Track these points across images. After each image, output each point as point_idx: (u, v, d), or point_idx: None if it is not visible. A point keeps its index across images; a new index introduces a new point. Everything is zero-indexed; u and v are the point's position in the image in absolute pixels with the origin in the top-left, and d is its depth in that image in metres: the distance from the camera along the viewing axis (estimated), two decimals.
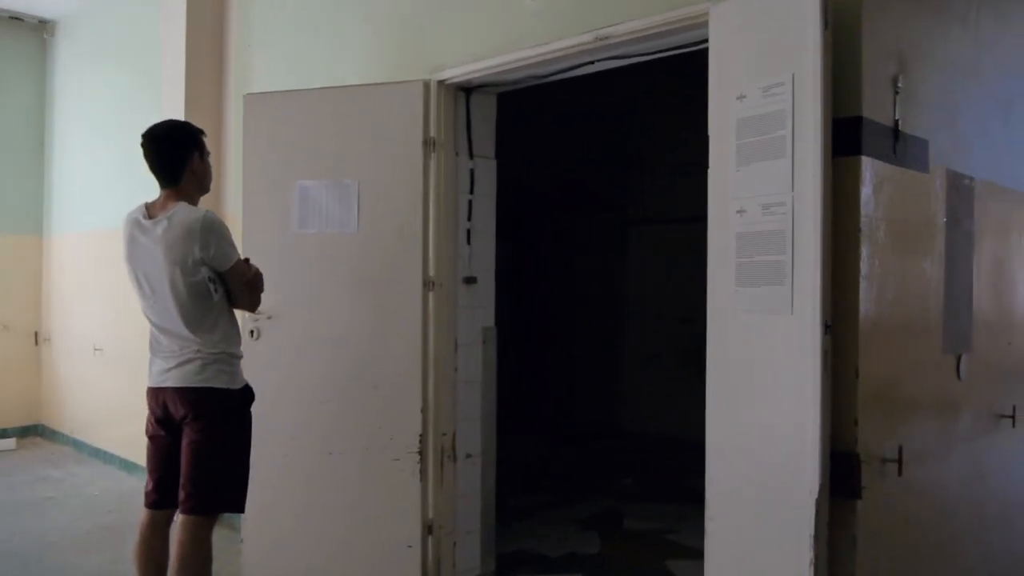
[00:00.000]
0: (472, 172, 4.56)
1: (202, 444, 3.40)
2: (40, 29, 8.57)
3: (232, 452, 3.50)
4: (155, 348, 3.51)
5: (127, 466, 7.03)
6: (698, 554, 5.07)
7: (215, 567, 3.53)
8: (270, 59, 5.60)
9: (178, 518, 3.46)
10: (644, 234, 8.78)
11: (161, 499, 3.54)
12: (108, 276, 7.01)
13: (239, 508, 3.58)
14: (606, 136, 8.81)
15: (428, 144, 4.33)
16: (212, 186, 3.76)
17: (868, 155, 2.89)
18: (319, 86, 4.67)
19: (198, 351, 3.40)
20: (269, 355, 4.45)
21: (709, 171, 3.13)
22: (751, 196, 2.94)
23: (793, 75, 2.78)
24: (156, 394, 3.50)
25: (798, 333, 2.76)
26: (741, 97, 2.97)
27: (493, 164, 4.68)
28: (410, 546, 4.32)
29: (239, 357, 3.55)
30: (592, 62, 3.89)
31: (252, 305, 3.67)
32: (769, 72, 2.88)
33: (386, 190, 4.37)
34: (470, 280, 4.55)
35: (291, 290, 4.43)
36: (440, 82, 4.35)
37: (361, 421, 4.40)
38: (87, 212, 7.85)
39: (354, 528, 4.39)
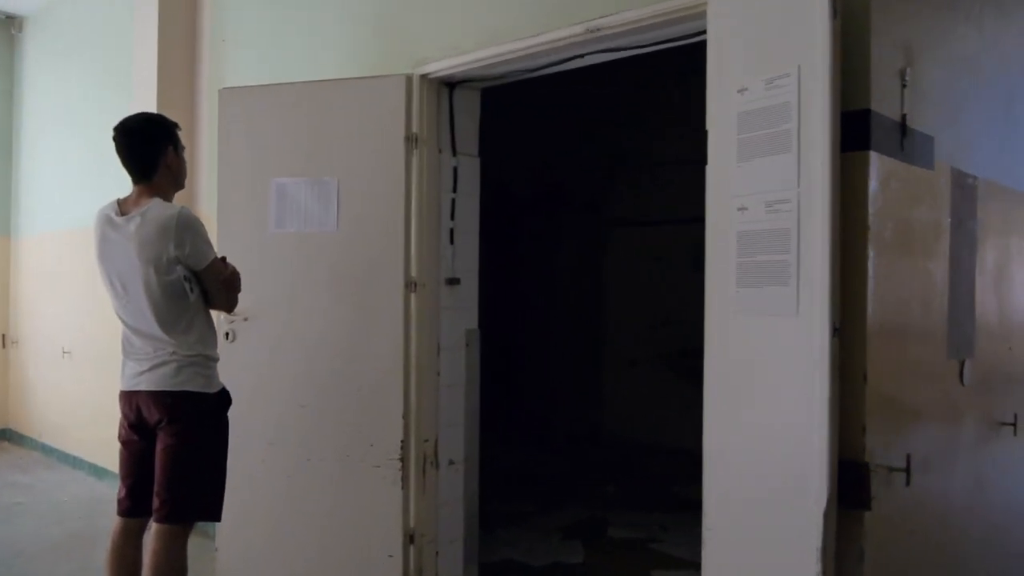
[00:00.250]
0: (455, 170, 4.45)
1: (177, 450, 3.27)
2: (8, 25, 8.39)
3: (208, 458, 3.37)
4: (128, 350, 3.38)
5: (97, 471, 6.90)
6: (684, 564, 5.07)
7: None
8: (245, 53, 5.47)
9: (152, 527, 3.33)
10: (623, 236, 8.66)
11: (134, 507, 3.42)
12: (78, 276, 6.91)
13: (215, 516, 3.44)
14: (584, 136, 8.67)
15: (410, 140, 4.22)
16: (186, 184, 3.63)
17: (875, 150, 2.78)
18: (298, 80, 4.55)
19: (173, 353, 3.28)
20: (245, 358, 4.32)
21: (708, 167, 3.00)
22: (753, 193, 2.81)
23: (799, 66, 2.66)
24: (129, 398, 3.37)
25: (804, 336, 2.64)
26: (743, 90, 2.85)
27: (477, 162, 4.57)
28: (391, 556, 4.21)
29: (215, 359, 3.43)
30: (582, 55, 3.77)
31: (229, 306, 3.55)
32: (773, 64, 2.76)
33: (367, 188, 4.26)
34: (453, 281, 4.43)
35: (268, 291, 4.32)
36: (423, 76, 4.23)
37: (341, 427, 4.28)
38: (56, 211, 7.71)
39: (333, 537, 4.27)
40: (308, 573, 4.31)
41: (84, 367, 7.14)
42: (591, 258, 8.88)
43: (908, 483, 2.85)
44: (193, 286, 3.30)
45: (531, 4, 3.76)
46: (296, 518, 4.32)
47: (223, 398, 3.44)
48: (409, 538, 4.23)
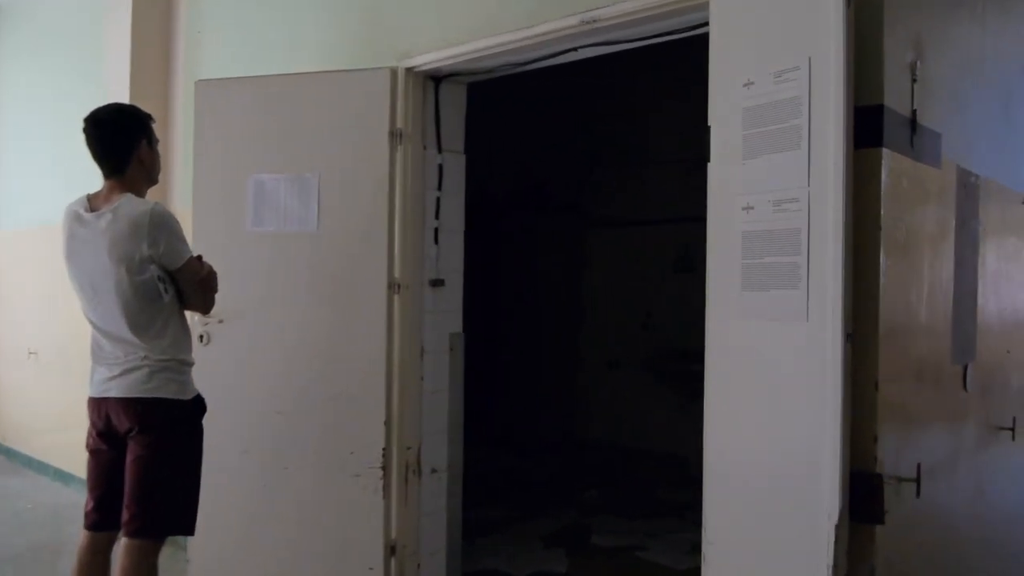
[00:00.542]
0: (440, 167, 4.32)
1: (149, 460, 3.11)
2: None
3: (181, 469, 3.21)
4: (97, 354, 3.22)
5: (63, 477, 6.71)
6: (670, 572, 4.97)
7: None
8: (223, 45, 5.32)
9: (121, 541, 3.16)
10: (605, 236, 8.54)
11: (102, 520, 3.25)
12: (44, 275, 6.72)
13: (188, 531, 3.28)
14: (566, 134, 8.55)
15: (395, 136, 4.08)
16: (159, 179, 3.48)
17: (887, 147, 2.67)
18: (278, 72, 4.39)
19: (145, 358, 3.11)
20: (220, 362, 4.17)
21: (710, 165, 2.87)
22: (760, 191, 2.69)
23: (810, 58, 2.54)
24: (98, 405, 3.21)
25: (814, 342, 2.52)
26: (748, 84, 2.73)
27: (462, 159, 4.45)
28: (371, 568, 4.08)
29: (190, 364, 3.27)
30: (576, 48, 3.63)
31: (206, 307, 3.39)
32: (781, 56, 2.63)
33: (349, 185, 4.12)
34: (437, 283, 4.30)
35: (245, 292, 4.16)
36: (408, 69, 4.10)
37: (320, 434, 4.14)
38: (22, 208, 7.54)
39: (311, 549, 4.13)
40: None
41: (51, 368, 6.98)
42: (572, 259, 8.75)
43: (919, 494, 2.74)
44: (167, 287, 3.15)
45: None
46: (272, 530, 4.18)
47: (198, 405, 3.28)
48: (390, 550, 4.10)
